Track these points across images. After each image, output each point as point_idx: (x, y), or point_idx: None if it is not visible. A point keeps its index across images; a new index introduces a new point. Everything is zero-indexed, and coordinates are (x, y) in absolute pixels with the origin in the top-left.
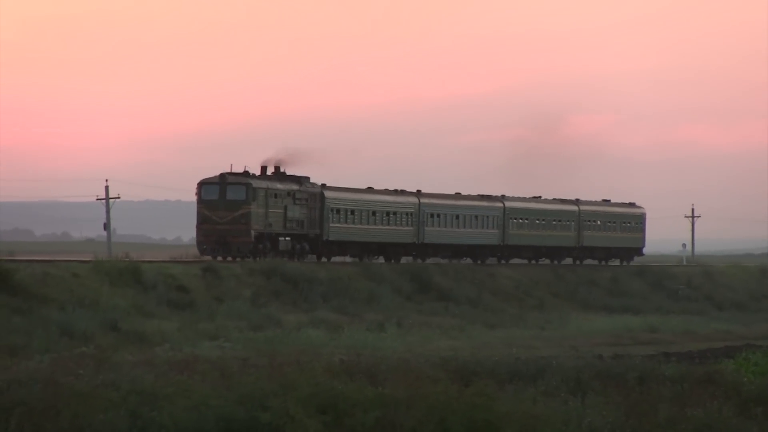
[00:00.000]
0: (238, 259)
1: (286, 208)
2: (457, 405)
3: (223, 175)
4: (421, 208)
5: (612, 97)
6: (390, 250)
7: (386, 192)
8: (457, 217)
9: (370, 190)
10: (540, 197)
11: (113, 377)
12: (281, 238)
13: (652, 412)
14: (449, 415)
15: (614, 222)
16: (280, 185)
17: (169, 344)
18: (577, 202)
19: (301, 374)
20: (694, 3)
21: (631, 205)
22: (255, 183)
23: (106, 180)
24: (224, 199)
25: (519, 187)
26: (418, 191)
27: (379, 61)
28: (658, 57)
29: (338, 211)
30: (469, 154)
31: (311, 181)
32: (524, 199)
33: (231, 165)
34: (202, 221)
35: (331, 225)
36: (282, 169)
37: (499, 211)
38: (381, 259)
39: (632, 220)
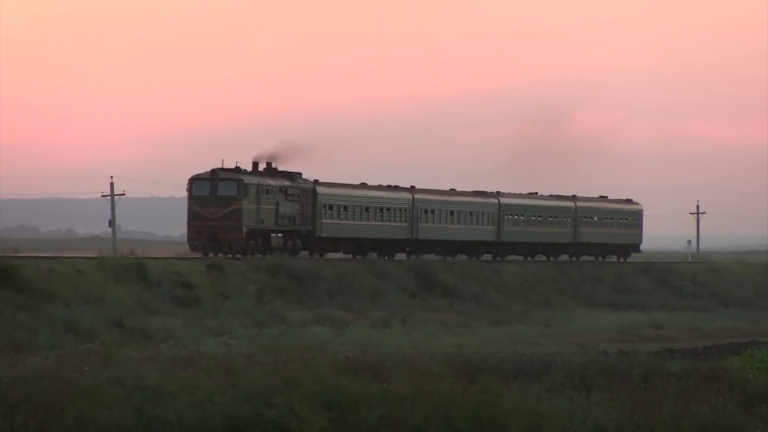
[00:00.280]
0: (229, 256)
1: (277, 204)
2: (461, 402)
3: (214, 171)
4: (415, 204)
5: (616, 93)
6: (383, 247)
7: (380, 188)
8: (452, 213)
9: (363, 185)
10: (536, 193)
11: (118, 374)
12: (273, 235)
13: (657, 408)
14: (454, 412)
15: (611, 218)
16: (271, 181)
17: (173, 341)
18: (573, 198)
19: (306, 371)
20: None
21: (629, 201)
22: (246, 179)
23: (111, 177)
24: (215, 195)
25: (522, 184)
26: (412, 187)
27: (382, 59)
28: (661, 53)
29: (331, 207)
30: (472, 151)
31: (303, 176)
32: (520, 195)
33: (222, 161)
34: (193, 217)
35: (324, 221)
36: (274, 165)
37: (494, 207)
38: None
39: (629, 217)
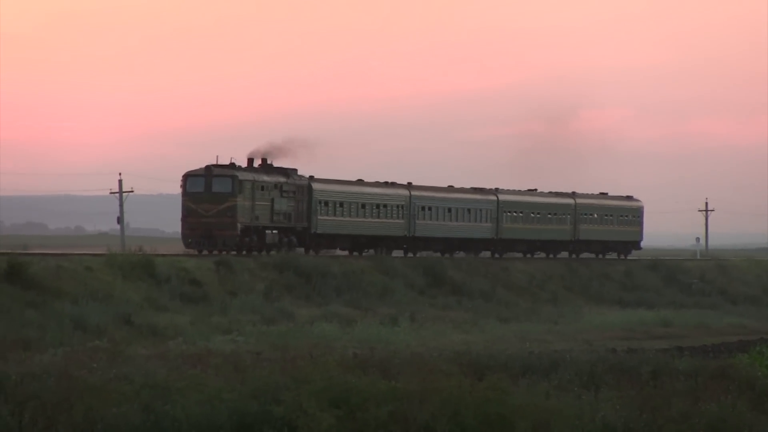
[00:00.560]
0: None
1: (272, 200)
2: (470, 399)
3: (208, 167)
4: (412, 201)
5: (622, 91)
6: (380, 244)
7: (376, 184)
8: (449, 210)
9: (359, 182)
10: (535, 190)
11: (126, 371)
12: (268, 231)
13: (666, 406)
14: (462, 409)
15: (611, 215)
16: (267, 177)
17: (182, 338)
18: (573, 195)
19: (314, 368)
20: None
21: (629, 198)
22: (241, 175)
23: (120, 174)
24: (210, 191)
25: (527, 181)
26: (409, 183)
27: (387, 56)
28: (668, 51)
29: (326, 203)
30: (478, 148)
31: (299, 173)
32: (519, 192)
33: (217, 157)
34: (188, 214)
35: (319, 218)
36: (269, 161)
37: (492, 204)
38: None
39: (630, 213)
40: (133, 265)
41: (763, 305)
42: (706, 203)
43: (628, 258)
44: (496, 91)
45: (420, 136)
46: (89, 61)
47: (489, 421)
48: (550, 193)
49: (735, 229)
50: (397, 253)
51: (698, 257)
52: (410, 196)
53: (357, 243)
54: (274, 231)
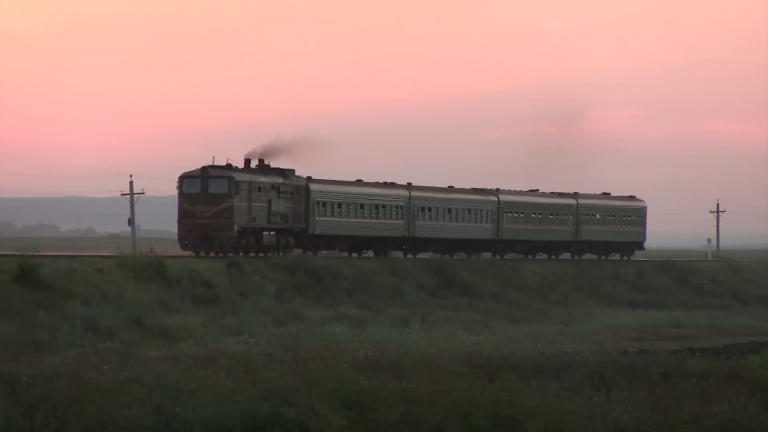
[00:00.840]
0: (220, 254)
1: (270, 201)
2: (481, 400)
3: (204, 168)
4: (412, 202)
5: (632, 91)
6: (379, 245)
7: (375, 185)
8: (449, 210)
9: (358, 182)
10: (537, 190)
11: (138, 372)
12: (265, 233)
13: (677, 407)
14: (473, 411)
15: (614, 215)
16: (263, 178)
17: (193, 339)
18: (575, 195)
19: (325, 369)
20: None
21: (632, 198)
22: (237, 176)
23: (131, 175)
24: (206, 192)
25: (535, 182)
26: (409, 184)
27: (396, 58)
28: (678, 51)
29: (324, 204)
30: (487, 149)
31: (296, 173)
32: (520, 193)
33: (213, 158)
34: (184, 215)
35: (317, 219)
36: (266, 162)
37: (493, 204)
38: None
39: (632, 214)
40: (144, 267)
41: None
42: (717, 204)
43: (638, 259)
44: (506, 92)
45: (428, 137)
46: (101, 63)
47: (500, 422)
48: (552, 193)
49: (747, 230)
50: (397, 254)
51: (709, 258)
52: (410, 196)
53: (355, 244)
54: (271, 232)
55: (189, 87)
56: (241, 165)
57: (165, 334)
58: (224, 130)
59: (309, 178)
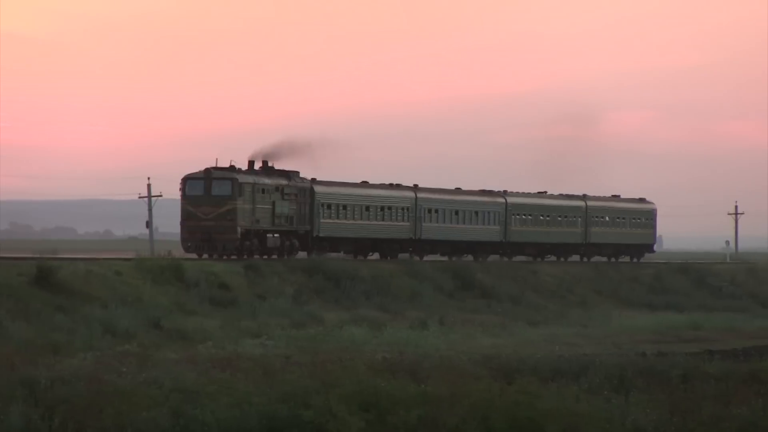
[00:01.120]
0: (224, 257)
1: (274, 203)
2: (499, 403)
3: (207, 170)
4: (418, 203)
5: (648, 93)
6: (385, 247)
7: (381, 186)
8: (456, 212)
9: (364, 184)
10: (545, 192)
11: (156, 375)
12: (269, 235)
13: (696, 410)
14: (492, 413)
15: (623, 218)
16: (267, 180)
17: (211, 342)
18: (584, 197)
19: (344, 372)
20: None
21: (642, 200)
22: (241, 178)
23: (149, 178)
24: (209, 194)
25: (548, 185)
26: (415, 185)
27: (412, 60)
28: (694, 52)
29: (329, 206)
30: (500, 152)
31: (301, 175)
32: (527, 195)
33: (216, 159)
34: (187, 218)
35: (322, 221)
36: (270, 164)
37: (500, 206)
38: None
39: (642, 216)
40: (162, 270)
41: None
42: (736, 206)
43: (657, 261)
44: (519, 95)
45: (441, 140)
46: (120, 66)
47: (518, 425)
48: (561, 195)
49: (765, 231)
50: (403, 257)
51: (728, 260)
52: (416, 198)
53: (361, 246)
54: (275, 234)
55: (207, 90)
56: (245, 167)
57: (183, 336)
58: (243, 133)
59: (314, 179)
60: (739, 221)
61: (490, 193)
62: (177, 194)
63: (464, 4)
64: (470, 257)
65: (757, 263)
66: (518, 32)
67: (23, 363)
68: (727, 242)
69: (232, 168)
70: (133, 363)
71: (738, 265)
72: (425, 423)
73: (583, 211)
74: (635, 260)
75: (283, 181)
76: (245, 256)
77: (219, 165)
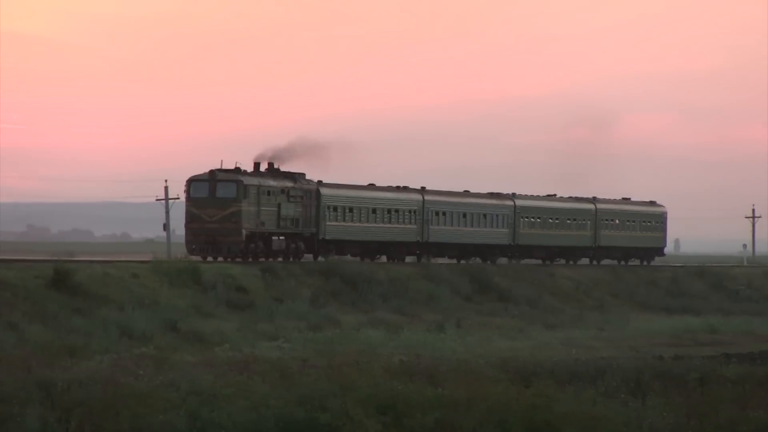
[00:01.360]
0: (229, 260)
1: (279, 205)
2: (516, 406)
3: (212, 172)
4: (426, 206)
5: (666, 97)
6: (392, 250)
7: (388, 189)
8: (464, 215)
9: (370, 186)
10: (555, 195)
11: (173, 378)
12: (274, 238)
13: (713, 413)
14: (509, 416)
15: (634, 221)
16: (273, 182)
17: (228, 345)
18: (593, 200)
19: (361, 375)
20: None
21: (652, 203)
22: (246, 180)
23: (166, 180)
24: (214, 196)
25: (565, 188)
26: (423, 188)
27: (423, 64)
28: (711, 56)
29: (335, 208)
30: (519, 155)
31: (307, 177)
32: (536, 198)
33: (221, 161)
34: (191, 220)
35: (328, 223)
36: (276, 166)
37: (509, 209)
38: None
39: (653, 219)
40: (179, 272)
41: None
42: (753, 210)
43: (674, 265)
44: (535, 98)
45: (454, 144)
46: (138, 68)
47: (536, 428)
48: (570, 198)
49: None
50: (410, 260)
51: (745, 264)
52: (423, 200)
53: (367, 249)
54: (280, 237)
55: (224, 93)
56: (250, 168)
57: (200, 339)
58: (258, 137)
59: (320, 182)
60: (756, 225)
61: (498, 195)
62: None
63: (479, 7)
64: (479, 260)
65: None
66: (534, 35)
67: (40, 365)
68: (744, 246)
69: (237, 170)
70: (150, 366)
71: (755, 269)
72: (442, 426)
73: (593, 214)
74: (645, 263)
75: (289, 183)
76: (250, 259)
77: (224, 167)
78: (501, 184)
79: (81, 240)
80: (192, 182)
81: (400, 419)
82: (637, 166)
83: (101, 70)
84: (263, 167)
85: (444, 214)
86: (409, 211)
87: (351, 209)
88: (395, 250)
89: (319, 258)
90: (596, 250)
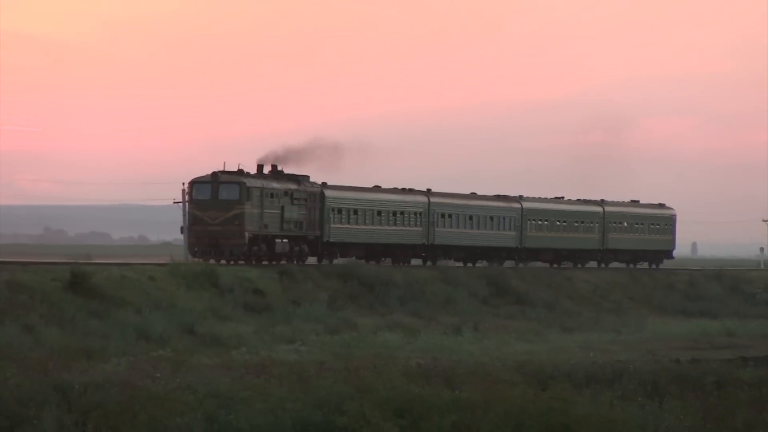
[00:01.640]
0: (231, 263)
1: (283, 208)
2: (533, 409)
3: (215, 174)
4: (431, 208)
5: (684, 100)
6: (397, 252)
7: (393, 191)
8: (471, 217)
9: (375, 188)
10: (562, 197)
11: (190, 380)
12: (278, 240)
13: (730, 416)
14: (526, 419)
15: (642, 223)
16: (276, 184)
17: (245, 348)
18: (602, 202)
19: (378, 378)
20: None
21: (661, 205)
22: (249, 182)
23: (183, 183)
24: (216, 199)
25: (578, 191)
26: (428, 190)
27: (437, 68)
28: (730, 60)
29: (340, 211)
30: (535, 157)
31: (311, 179)
32: (544, 200)
33: (224, 163)
34: (194, 222)
35: (332, 226)
36: (279, 168)
37: (516, 211)
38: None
39: (661, 222)
40: (196, 275)
41: None
42: None
43: (691, 268)
44: (552, 101)
45: (462, 146)
46: (156, 71)
47: (552, 431)
48: (578, 200)
49: None
50: (416, 262)
51: (762, 267)
52: (429, 203)
53: (372, 251)
54: (284, 240)
55: (240, 96)
56: (254, 170)
57: (217, 342)
58: (275, 140)
59: (324, 184)
60: None
61: (505, 198)
62: None
63: (493, 11)
64: (485, 263)
65: None
66: (548, 38)
67: (57, 368)
68: (762, 249)
69: (240, 172)
70: (167, 368)
71: None
72: (459, 429)
73: (601, 217)
74: (653, 266)
75: (293, 186)
76: (253, 262)
77: (227, 169)
78: (513, 189)
79: (98, 243)
80: (194, 184)
81: (417, 422)
82: (653, 170)
83: (118, 72)
84: (266, 169)
85: (450, 216)
86: (415, 213)
87: (356, 211)
88: (400, 252)
89: (323, 261)
90: (604, 252)
